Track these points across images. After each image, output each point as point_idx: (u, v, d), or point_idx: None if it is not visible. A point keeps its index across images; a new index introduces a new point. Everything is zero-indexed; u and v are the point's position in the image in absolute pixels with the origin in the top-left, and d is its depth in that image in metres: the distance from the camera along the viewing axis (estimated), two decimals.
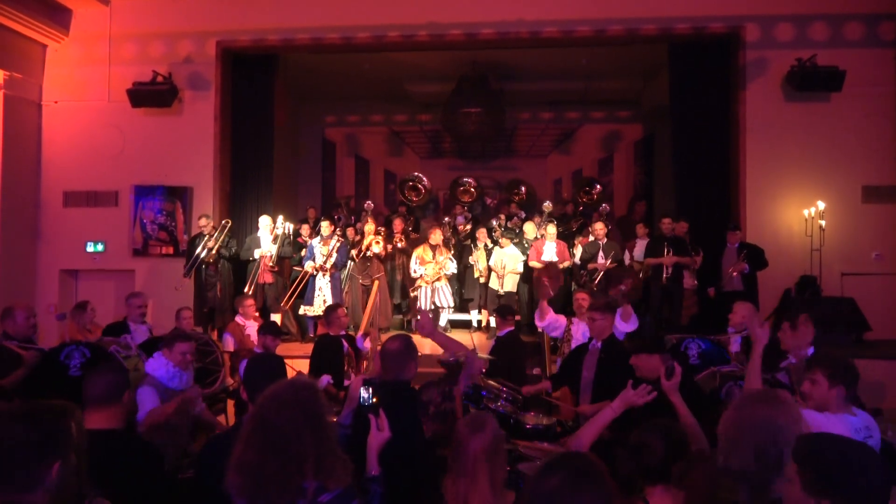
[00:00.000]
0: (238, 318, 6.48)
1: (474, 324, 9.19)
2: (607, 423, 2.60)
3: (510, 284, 8.60)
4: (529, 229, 9.02)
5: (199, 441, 4.10)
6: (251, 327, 6.49)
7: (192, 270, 8.07)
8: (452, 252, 8.89)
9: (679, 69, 8.87)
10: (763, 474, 1.81)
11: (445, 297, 8.61)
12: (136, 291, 6.11)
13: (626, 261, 8.38)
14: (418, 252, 8.64)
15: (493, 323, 8.62)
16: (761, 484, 1.82)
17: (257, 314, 7.18)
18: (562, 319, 6.04)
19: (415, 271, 8.62)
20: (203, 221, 8.14)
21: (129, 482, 2.25)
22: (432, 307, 8.58)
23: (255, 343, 6.27)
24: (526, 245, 8.82)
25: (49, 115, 9.03)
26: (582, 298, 5.86)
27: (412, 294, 8.81)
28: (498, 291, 8.57)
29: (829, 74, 7.88)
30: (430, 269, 8.50)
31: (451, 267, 8.64)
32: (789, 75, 8.12)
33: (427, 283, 8.51)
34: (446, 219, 10.23)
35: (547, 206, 9.98)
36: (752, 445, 1.83)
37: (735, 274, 7.56)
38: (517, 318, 6.98)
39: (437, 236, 8.63)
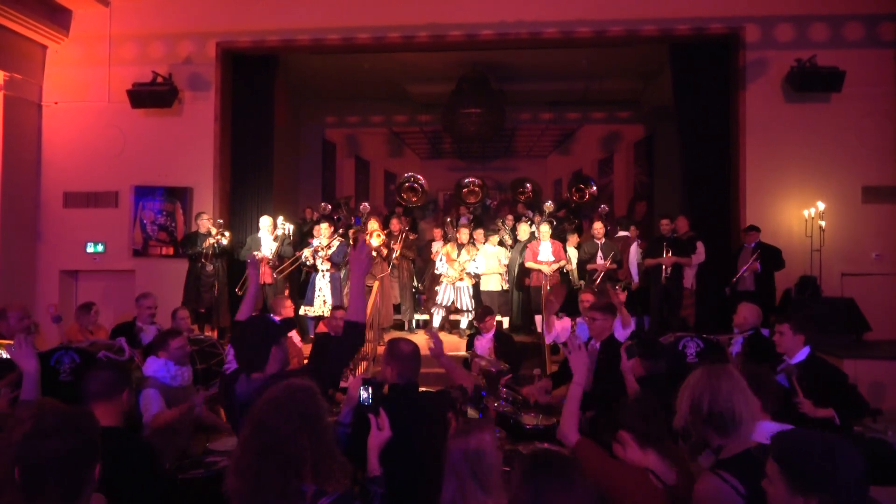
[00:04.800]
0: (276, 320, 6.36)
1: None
2: (579, 399, 2.60)
3: (493, 284, 8.68)
4: (523, 230, 9.04)
5: (200, 442, 4.10)
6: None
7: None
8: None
9: (680, 70, 8.87)
10: (697, 428, 2.08)
11: (465, 300, 8.61)
12: (146, 292, 6.06)
13: (633, 258, 8.40)
14: (445, 250, 8.73)
15: (505, 324, 8.67)
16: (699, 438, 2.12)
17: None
18: (566, 322, 6.07)
19: (438, 269, 8.66)
20: (204, 216, 8.17)
21: (125, 480, 2.25)
22: (448, 306, 8.65)
23: (299, 345, 6.24)
24: (504, 245, 8.88)
25: (49, 115, 9.03)
26: (586, 300, 5.88)
27: (435, 289, 8.84)
28: (494, 291, 8.64)
29: (829, 75, 7.88)
30: (455, 267, 8.54)
31: (471, 267, 8.61)
32: (789, 76, 8.12)
33: (450, 282, 8.55)
34: (448, 219, 10.24)
35: (548, 205, 9.99)
36: (688, 404, 2.10)
37: (747, 274, 7.55)
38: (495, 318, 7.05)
39: (464, 235, 8.69)
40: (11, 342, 3.64)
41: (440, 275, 8.71)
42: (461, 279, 8.58)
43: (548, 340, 6.59)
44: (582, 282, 8.38)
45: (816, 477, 1.57)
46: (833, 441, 1.66)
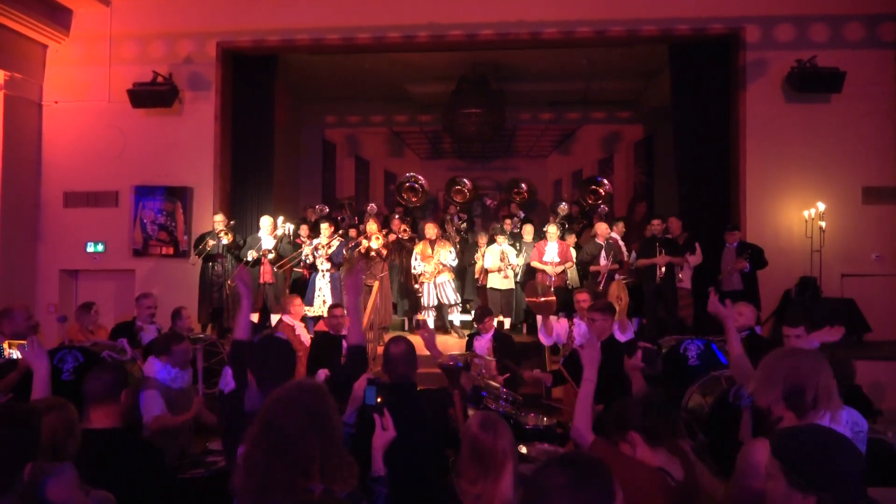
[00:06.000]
0: (286, 318, 6.29)
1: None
2: (592, 396, 2.62)
3: (498, 282, 8.69)
4: (528, 231, 9.03)
5: (200, 442, 4.10)
6: (300, 327, 6.43)
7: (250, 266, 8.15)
8: (457, 247, 8.90)
9: (679, 70, 8.87)
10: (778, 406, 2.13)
11: (448, 294, 8.59)
12: (146, 292, 6.08)
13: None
14: (418, 249, 8.67)
15: (506, 324, 8.66)
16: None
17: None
18: (563, 324, 6.07)
19: (415, 268, 8.65)
20: (219, 217, 8.19)
21: (128, 480, 2.25)
22: (435, 304, 8.62)
23: (306, 343, 6.22)
24: (519, 247, 8.85)
25: (49, 115, 9.03)
26: (583, 300, 5.88)
27: (416, 287, 8.83)
28: (500, 289, 8.64)
29: (830, 75, 7.88)
30: (431, 264, 8.51)
31: (449, 258, 8.63)
32: (789, 76, 8.12)
33: (428, 279, 8.52)
34: (447, 216, 10.25)
35: (563, 208, 9.98)
36: (780, 388, 2.12)
37: (735, 272, 7.56)
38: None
39: (430, 230, 8.66)
40: (21, 342, 3.66)
41: (419, 274, 8.65)
42: (439, 273, 8.54)
43: (546, 343, 6.57)
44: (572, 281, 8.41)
45: (816, 474, 1.56)
46: (833, 438, 1.65)
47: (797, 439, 1.68)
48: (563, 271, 8.28)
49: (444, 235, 8.96)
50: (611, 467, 2.26)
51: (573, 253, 8.54)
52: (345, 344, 5.75)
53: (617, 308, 6.03)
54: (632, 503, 2.24)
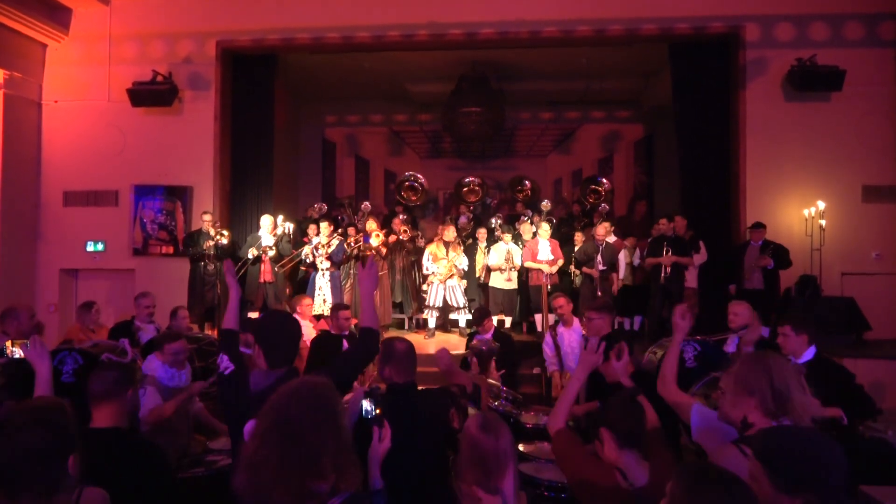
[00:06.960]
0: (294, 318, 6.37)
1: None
2: (576, 395, 2.60)
3: (500, 281, 8.67)
4: (525, 230, 9.01)
5: (200, 441, 4.11)
6: (307, 327, 6.44)
7: (241, 270, 8.13)
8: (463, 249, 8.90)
9: (680, 69, 8.86)
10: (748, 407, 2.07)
11: (457, 296, 8.56)
12: (144, 291, 6.09)
13: (622, 262, 8.37)
14: (431, 249, 8.63)
15: (507, 323, 8.63)
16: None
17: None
18: (548, 342, 6.00)
19: (427, 268, 8.61)
20: (206, 217, 8.19)
21: (132, 481, 2.25)
22: (440, 306, 8.61)
23: (308, 344, 6.22)
24: (520, 245, 8.85)
25: (49, 114, 9.03)
26: (558, 306, 5.82)
27: (423, 289, 8.81)
28: (503, 289, 8.62)
29: (830, 74, 7.88)
30: (443, 266, 8.48)
31: (463, 262, 8.61)
32: (789, 75, 8.12)
33: (441, 281, 8.51)
34: (448, 217, 10.22)
35: (545, 204, 9.96)
36: (758, 395, 2.04)
37: (757, 269, 7.53)
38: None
39: (450, 233, 8.61)
40: (24, 341, 3.66)
41: (429, 275, 8.62)
42: (451, 276, 8.51)
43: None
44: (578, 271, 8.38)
45: (802, 476, 1.54)
46: (817, 439, 1.63)
47: (779, 441, 1.65)
48: (559, 269, 8.28)
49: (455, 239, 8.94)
50: (566, 458, 2.27)
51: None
52: (345, 343, 5.80)
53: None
54: (580, 496, 2.26)
